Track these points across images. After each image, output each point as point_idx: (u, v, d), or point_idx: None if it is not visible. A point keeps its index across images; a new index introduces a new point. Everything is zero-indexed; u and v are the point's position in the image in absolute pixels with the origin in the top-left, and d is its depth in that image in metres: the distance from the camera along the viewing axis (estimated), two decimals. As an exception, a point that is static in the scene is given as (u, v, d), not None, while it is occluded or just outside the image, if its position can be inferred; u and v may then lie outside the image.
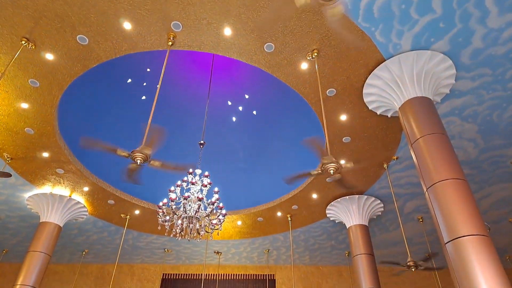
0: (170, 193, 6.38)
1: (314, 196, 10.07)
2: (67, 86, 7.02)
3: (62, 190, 9.79)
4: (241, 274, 14.45)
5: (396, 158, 8.59)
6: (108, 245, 12.95)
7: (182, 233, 6.32)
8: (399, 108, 6.39)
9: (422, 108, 6.02)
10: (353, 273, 14.11)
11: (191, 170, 6.83)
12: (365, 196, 9.95)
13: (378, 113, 7.08)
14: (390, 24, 5.69)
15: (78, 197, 10.13)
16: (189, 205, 6.33)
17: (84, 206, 10.34)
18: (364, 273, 8.94)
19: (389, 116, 7.05)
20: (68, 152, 8.65)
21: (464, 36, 5.81)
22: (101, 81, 8.57)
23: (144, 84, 9.52)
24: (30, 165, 8.89)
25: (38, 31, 5.99)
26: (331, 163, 5.35)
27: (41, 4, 5.58)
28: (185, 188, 6.64)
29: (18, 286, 8.89)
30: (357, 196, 9.93)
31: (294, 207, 10.61)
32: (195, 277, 14.38)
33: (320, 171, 5.53)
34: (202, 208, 6.41)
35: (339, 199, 10.09)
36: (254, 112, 10.37)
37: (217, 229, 6.67)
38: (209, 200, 6.55)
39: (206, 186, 6.68)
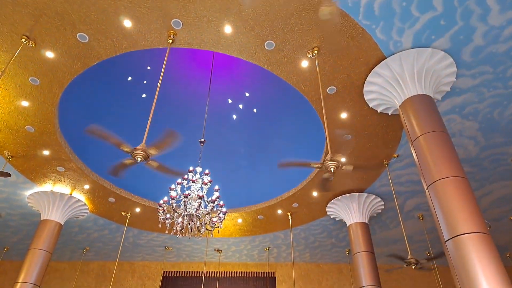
0: (171, 191, 6.39)
1: (315, 194, 10.08)
2: (67, 84, 7.02)
3: (62, 188, 9.81)
4: (241, 272, 14.48)
5: (397, 156, 8.59)
6: (109, 243, 12.98)
7: (183, 231, 6.33)
8: (400, 106, 6.38)
9: (422, 106, 6.01)
10: (353, 271, 14.15)
11: (191, 168, 6.84)
12: (366, 194, 9.96)
13: (378, 111, 7.08)
14: (391, 21, 5.68)
15: (79, 195, 10.14)
16: (190, 203, 6.34)
17: (85, 204, 10.36)
18: (364, 270, 8.96)
19: (389, 114, 7.04)
20: (68, 150, 8.66)
21: (465, 34, 5.80)
22: (102, 79, 8.57)
23: (145, 82, 9.52)
24: (30, 163, 8.90)
25: (38, 29, 5.98)
26: (332, 161, 5.36)
27: (41, 2, 5.57)
28: (185, 186, 6.65)
29: (19, 284, 8.92)
30: (357, 194, 9.94)
31: (295, 205, 10.63)
32: (195, 275, 14.42)
33: (320, 166, 5.54)
34: (203, 206, 6.42)
35: (339, 197, 10.09)
36: (255, 110, 10.37)
37: (218, 227, 6.67)
38: (210, 198, 6.56)
39: (206, 184, 6.69)
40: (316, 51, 6.22)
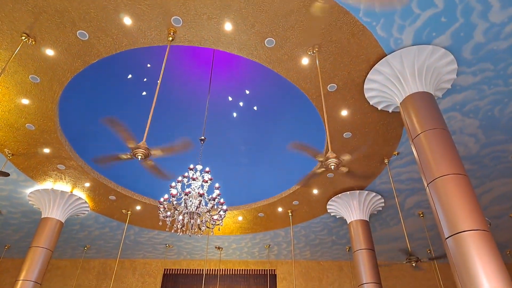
0: (171, 189, 6.40)
1: (315, 191, 10.08)
2: (67, 82, 7.01)
3: (63, 186, 9.82)
4: (242, 269, 14.52)
5: (397, 154, 8.59)
6: (109, 241, 13.01)
7: (183, 229, 6.34)
8: (400, 103, 6.37)
9: (423, 103, 6.00)
10: (353, 268, 14.18)
11: (192, 166, 6.85)
12: (366, 192, 9.96)
13: (379, 108, 7.07)
14: (392, 18, 5.66)
15: (80, 193, 10.16)
16: (190, 201, 6.35)
17: (86, 201, 10.38)
18: (364, 268, 8.98)
19: (390, 111, 7.04)
20: (69, 148, 8.66)
21: (466, 31, 5.78)
22: (102, 77, 8.56)
23: (145, 79, 9.51)
24: (31, 161, 8.91)
25: (38, 27, 5.98)
26: (327, 159, 5.36)
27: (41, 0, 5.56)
28: (186, 183, 6.65)
29: (20, 282, 8.95)
30: (357, 191, 9.94)
31: (295, 202, 10.64)
32: (196, 272, 14.46)
33: (322, 160, 5.56)
34: (203, 204, 6.43)
35: (340, 195, 10.10)
36: (255, 108, 10.36)
37: (218, 224, 6.69)
38: (210, 196, 6.56)
39: (207, 181, 6.69)
40: (316, 49, 6.21)
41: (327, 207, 10.64)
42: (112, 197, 10.37)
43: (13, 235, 12.48)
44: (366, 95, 6.94)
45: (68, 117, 8.34)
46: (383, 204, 10.40)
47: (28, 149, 8.52)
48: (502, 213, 11.08)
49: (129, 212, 11.08)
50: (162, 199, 6.60)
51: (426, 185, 5.42)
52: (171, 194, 6.29)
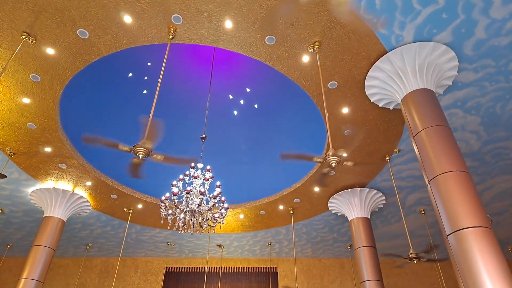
0: (173, 187, 6.40)
1: (316, 189, 10.08)
2: (68, 81, 7.02)
3: (65, 184, 9.84)
4: (243, 267, 14.55)
5: (398, 151, 8.57)
6: (111, 239, 13.05)
7: (185, 227, 6.35)
8: (401, 100, 6.36)
9: (424, 100, 5.99)
10: (355, 265, 14.19)
11: (193, 164, 6.85)
12: (367, 189, 9.96)
13: (380, 105, 7.06)
14: (393, 15, 5.64)
15: (81, 192, 10.18)
16: (192, 199, 6.35)
17: (87, 200, 10.40)
18: (366, 265, 8.99)
19: (391, 108, 7.02)
20: (70, 147, 8.67)
21: (467, 27, 5.76)
22: (102, 75, 8.56)
23: (145, 78, 9.50)
24: (33, 160, 8.93)
25: (39, 26, 5.97)
26: (334, 156, 5.36)
27: (40, -2, 5.55)
28: (187, 182, 6.65)
29: (23, 280, 8.99)
30: (359, 189, 9.94)
31: (296, 200, 10.64)
32: (198, 270, 14.49)
33: (321, 160, 5.54)
34: (204, 202, 6.43)
35: (341, 192, 10.10)
36: (256, 106, 10.35)
37: (220, 222, 6.69)
38: (211, 194, 6.57)
39: (208, 180, 6.69)
40: (317, 46, 6.19)
41: (328, 204, 10.65)
42: (114, 196, 10.39)
43: (15, 234, 12.52)
44: (367, 92, 6.93)
45: (69, 116, 8.34)
46: (384, 202, 10.40)
47: (29, 148, 8.53)
48: (504, 210, 11.06)
49: (131, 211, 11.10)
50: (163, 198, 6.61)
51: (427, 182, 5.41)
52: (173, 192, 6.29)
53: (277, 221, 11.87)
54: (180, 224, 6.29)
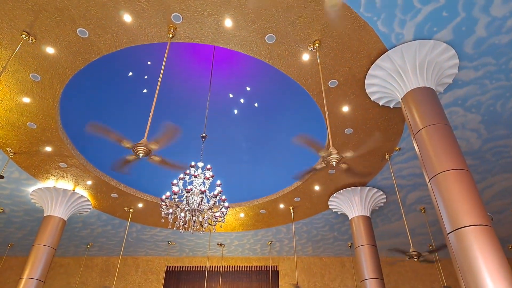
0: (173, 186, 6.40)
1: (317, 188, 10.08)
2: (68, 80, 7.01)
3: (65, 184, 9.85)
4: (244, 266, 14.56)
5: (399, 149, 8.57)
6: (112, 238, 13.06)
7: (185, 226, 6.35)
8: (402, 98, 6.35)
9: (424, 98, 5.98)
10: (355, 264, 14.20)
11: (193, 163, 6.85)
12: (368, 188, 9.96)
13: (380, 104, 7.05)
14: (393, 13, 5.63)
15: (82, 191, 10.19)
16: (192, 198, 6.35)
17: (88, 199, 10.41)
18: (366, 263, 8.99)
19: (391, 107, 7.02)
20: (70, 146, 8.67)
21: (467, 25, 5.74)
22: (102, 74, 8.55)
23: (145, 77, 9.50)
24: (33, 160, 8.93)
25: (38, 25, 5.97)
26: (330, 155, 5.35)
27: (40, -2, 5.55)
28: (187, 181, 6.65)
29: (24, 280, 9.00)
30: (359, 187, 9.94)
31: (297, 199, 10.64)
32: (198, 269, 14.51)
33: (324, 165, 5.54)
34: (205, 201, 6.43)
35: (341, 191, 10.10)
36: (256, 105, 10.34)
37: (220, 221, 6.69)
38: (212, 193, 6.57)
39: (208, 179, 6.69)
40: (317, 44, 6.18)
41: (329, 203, 10.65)
42: (114, 195, 10.40)
43: (16, 233, 12.54)
44: (367, 90, 6.92)
45: (69, 115, 8.34)
46: (384, 200, 10.40)
47: (29, 147, 8.54)
48: (504, 208, 11.06)
49: (131, 210, 11.11)
50: (164, 197, 6.61)
51: (427, 180, 5.41)
52: (173, 191, 6.29)
53: (277, 220, 11.88)
54: (180, 223, 6.29)
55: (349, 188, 9.99)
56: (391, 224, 12.13)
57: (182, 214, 6.31)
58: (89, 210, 10.84)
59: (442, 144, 5.42)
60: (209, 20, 5.93)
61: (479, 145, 8.41)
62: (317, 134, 9.00)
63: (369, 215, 9.99)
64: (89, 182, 9.79)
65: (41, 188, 9.84)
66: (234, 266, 14.57)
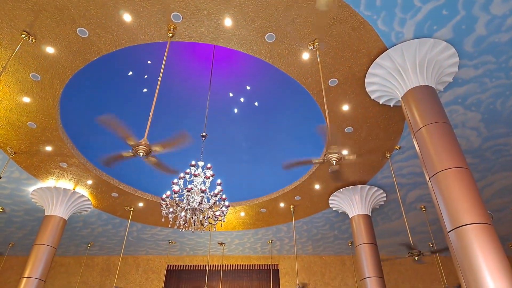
0: (173, 185, 6.40)
1: (317, 186, 10.09)
2: (68, 80, 7.01)
3: (66, 183, 9.86)
4: (244, 265, 14.59)
5: (399, 148, 8.57)
6: (112, 237, 13.08)
7: (186, 225, 6.35)
8: (402, 97, 6.35)
9: (424, 97, 5.98)
10: (356, 262, 14.22)
11: (193, 162, 6.85)
12: (368, 186, 9.97)
13: (380, 102, 7.05)
14: (393, 12, 5.63)
15: (82, 190, 10.19)
16: (192, 197, 6.36)
17: (88, 199, 10.42)
18: (367, 262, 9.00)
19: (391, 105, 7.02)
20: (71, 146, 8.68)
21: (467, 24, 5.74)
22: (102, 74, 8.55)
23: (145, 76, 9.50)
24: (33, 159, 8.94)
25: (38, 25, 5.96)
26: (335, 153, 5.36)
27: (40, -3, 5.54)
28: (188, 180, 6.66)
29: (25, 279, 9.01)
30: (359, 186, 9.95)
31: (297, 198, 10.65)
32: (199, 268, 14.53)
33: (322, 160, 5.53)
34: (205, 200, 6.43)
35: (341, 190, 10.11)
36: (256, 104, 10.34)
37: (221, 220, 6.69)
38: (212, 192, 6.57)
39: (208, 178, 6.69)
40: (317, 43, 6.18)
41: (329, 202, 10.66)
42: (115, 194, 10.41)
43: (17, 233, 12.55)
44: (367, 89, 6.92)
45: (69, 115, 8.35)
46: (385, 199, 10.41)
47: (30, 147, 8.54)
48: (504, 206, 11.07)
49: (132, 209, 11.12)
50: (164, 196, 6.61)
51: (428, 179, 5.41)
52: (173, 190, 6.30)
53: (278, 219, 11.89)
54: (181, 222, 6.29)
55: (349, 187, 10.00)
56: (392, 223, 12.14)
57: (183, 213, 6.31)
58: (89, 210, 10.85)
59: (442, 142, 5.42)
60: (209, 19, 5.93)
61: (479, 143, 8.41)
62: (317, 133, 9.00)
63: (369, 213, 10.00)
64: (90, 182, 9.80)
65: (41, 187, 9.84)
66: (235, 265, 14.59)
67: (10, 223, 11.84)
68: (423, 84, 6.10)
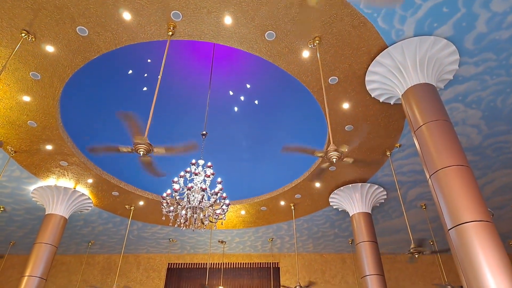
0: (174, 184, 6.41)
1: (317, 185, 10.09)
2: (68, 79, 7.01)
3: (66, 182, 9.87)
4: (245, 263, 14.61)
5: (399, 146, 8.57)
6: (113, 236, 13.10)
7: (186, 223, 6.36)
8: (402, 95, 6.34)
9: (425, 94, 5.97)
10: (356, 260, 14.23)
11: (194, 161, 6.86)
12: (368, 184, 9.97)
13: (380, 100, 7.04)
14: (393, 10, 5.61)
15: (83, 189, 10.20)
16: (193, 196, 6.37)
17: (89, 198, 10.43)
18: (367, 260, 9.01)
19: (392, 103, 7.01)
20: (71, 145, 8.68)
21: (468, 21, 5.73)
22: (102, 73, 8.54)
23: (145, 75, 9.49)
24: (34, 158, 8.94)
25: (38, 23, 5.96)
26: (335, 151, 5.36)
27: (39, -4, 5.53)
28: (188, 178, 6.66)
29: (26, 278, 9.04)
30: (360, 184, 9.95)
31: (297, 196, 10.65)
32: (200, 266, 14.56)
33: (323, 155, 5.53)
34: (206, 198, 6.45)
35: (342, 188, 10.11)
36: (256, 102, 10.34)
37: (221, 218, 6.71)
38: (213, 190, 6.58)
39: (209, 176, 6.70)
40: (317, 41, 6.17)
41: (330, 200, 10.66)
42: (115, 193, 10.42)
43: (18, 231, 12.57)
44: (368, 87, 6.91)
45: (70, 114, 8.34)
46: (385, 197, 10.41)
47: (30, 146, 8.54)
48: (505, 203, 11.07)
49: (132, 208, 11.13)
50: (165, 194, 6.62)
51: (428, 176, 5.41)
52: (174, 189, 6.31)
53: (278, 217, 11.90)
54: (181, 220, 6.31)
55: (350, 185, 10.00)
56: (392, 221, 12.15)
57: (183, 212, 6.32)
58: (90, 208, 10.87)
59: (442, 140, 5.42)
60: (209, 18, 5.91)
61: (480, 141, 8.40)
62: (317, 131, 9.01)
63: (369, 211, 10.00)
64: (90, 180, 9.81)
65: (42, 186, 9.85)
66: (235, 263, 14.61)
67: (11, 222, 11.86)
68: (424, 81, 6.09)
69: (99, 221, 12.01)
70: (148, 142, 5.03)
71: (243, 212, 11.62)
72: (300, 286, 10.81)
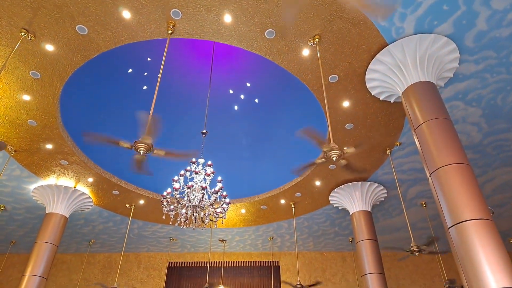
0: (174, 183, 6.41)
1: (317, 183, 10.10)
2: (68, 77, 7.00)
3: (67, 181, 9.87)
4: (245, 261, 14.62)
5: (399, 144, 8.57)
6: (114, 235, 13.11)
7: (187, 222, 6.36)
8: (402, 93, 6.34)
9: (425, 92, 5.97)
10: (356, 259, 14.25)
11: (194, 160, 6.85)
12: (368, 182, 9.97)
13: (381, 98, 7.04)
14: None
15: (83, 188, 10.21)
16: (193, 194, 6.36)
17: (89, 197, 10.44)
18: (367, 258, 9.02)
19: (392, 101, 7.00)
20: (71, 144, 8.68)
21: (468, 19, 5.72)
22: (102, 71, 8.54)
23: (145, 74, 9.48)
24: (34, 157, 8.94)
25: (37, 22, 5.95)
26: (332, 150, 5.34)
27: (39, -6, 5.52)
28: (188, 177, 6.66)
29: (26, 277, 9.05)
30: (360, 182, 9.95)
31: (298, 194, 10.66)
32: (200, 265, 14.58)
33: (324, 159, 5.53)
34: (206, 197, 6.44)
35: (342, 186, 10.11)
36: (256, 100, 10.33)
37: (221, 217, 6.70)
38: (213, 189, 6.57)
39: (209, 175, 6.70)
40: (317, 39, 6.16)
41: (330, 198, 10.67)
42: (116, 192, 10.42)
43: (18, 230, 12.58)
44: (368, 85, 6.90)
45: (70, 113, 8.34)
46: (385, 195, 10.41)
47: (30, 145, 8.54)
48: (505, 201, 11.07)
49: (133, 206, 11.14)
50: (165, 193, 6.62)
51: (428, 175, 5.41)
52: (174, 188, 6.30)
53: (278, 215, 11.91)
54: (182, 219, 6.31)
55: (350, 183, 10.00)
56: (392, 219, 12.15)
57: (184, 210, 6.32)
58: (90, 207, 10.87)
59: (442, 138, 5.41)
60: (209, 16, 5.90)
61: (480, 139, 8.40)
62: (317, 130, 8.99)
63: (370, 210, 10.01)
64: (90, 179, 9.81)
65: (42, 185, 9.86)
66: (236, 261, 14.63)
67: (12, 221, 11.87)
68: (424, 79, 6.08)
69: (99, 220, 12.02)
70: (151, 143, 5.04)
71: (243, 211, 11.62)
72: (301, 285, 10.82)
